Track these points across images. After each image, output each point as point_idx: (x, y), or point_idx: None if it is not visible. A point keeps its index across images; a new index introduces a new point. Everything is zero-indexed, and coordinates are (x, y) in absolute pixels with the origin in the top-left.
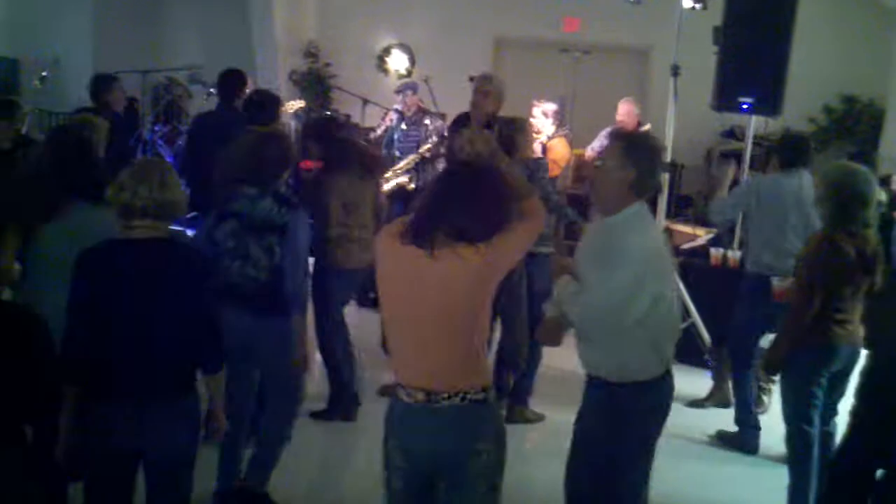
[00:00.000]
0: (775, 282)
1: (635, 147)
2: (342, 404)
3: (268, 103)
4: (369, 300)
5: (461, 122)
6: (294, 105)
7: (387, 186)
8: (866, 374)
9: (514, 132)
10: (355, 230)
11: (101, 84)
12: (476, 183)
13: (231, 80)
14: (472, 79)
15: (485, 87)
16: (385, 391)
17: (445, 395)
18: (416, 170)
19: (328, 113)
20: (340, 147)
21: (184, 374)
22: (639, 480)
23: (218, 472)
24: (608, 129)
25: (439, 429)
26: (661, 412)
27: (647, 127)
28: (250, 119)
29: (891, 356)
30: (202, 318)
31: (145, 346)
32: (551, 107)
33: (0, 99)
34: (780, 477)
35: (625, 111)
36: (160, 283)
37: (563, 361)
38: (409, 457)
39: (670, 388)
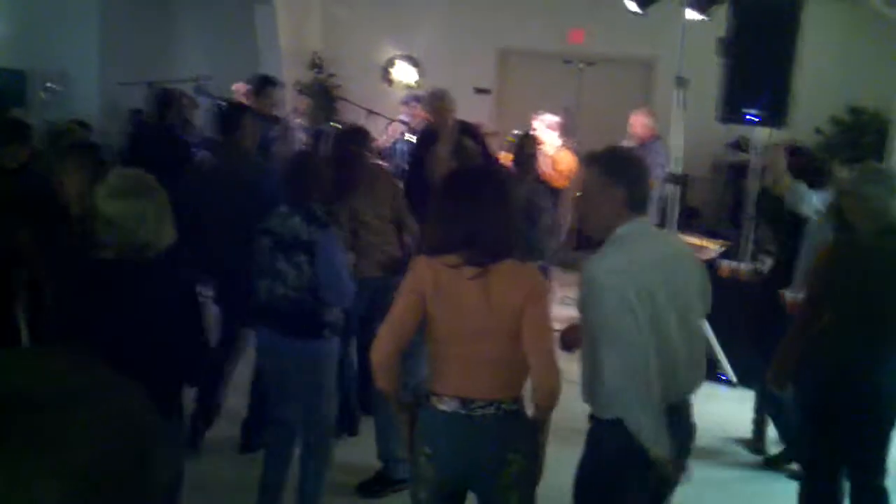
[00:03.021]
0: (788, 295)
1: (611, 164)
2: (346, 418)
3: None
4: None
5: (430, 137)
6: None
7: None
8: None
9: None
10: (365, 237)
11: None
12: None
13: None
14: (477, 90)
15: (449, 104)
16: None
17: (481, 404)
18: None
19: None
20: (356, 158)
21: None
22: None
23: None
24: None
25: (472, 437)
26: (633, 457)
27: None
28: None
29: None
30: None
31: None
32: (553, 119)
33: (13, 120)
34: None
35: (639, 123)
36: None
37: None
38: (440, 466)
39: None
